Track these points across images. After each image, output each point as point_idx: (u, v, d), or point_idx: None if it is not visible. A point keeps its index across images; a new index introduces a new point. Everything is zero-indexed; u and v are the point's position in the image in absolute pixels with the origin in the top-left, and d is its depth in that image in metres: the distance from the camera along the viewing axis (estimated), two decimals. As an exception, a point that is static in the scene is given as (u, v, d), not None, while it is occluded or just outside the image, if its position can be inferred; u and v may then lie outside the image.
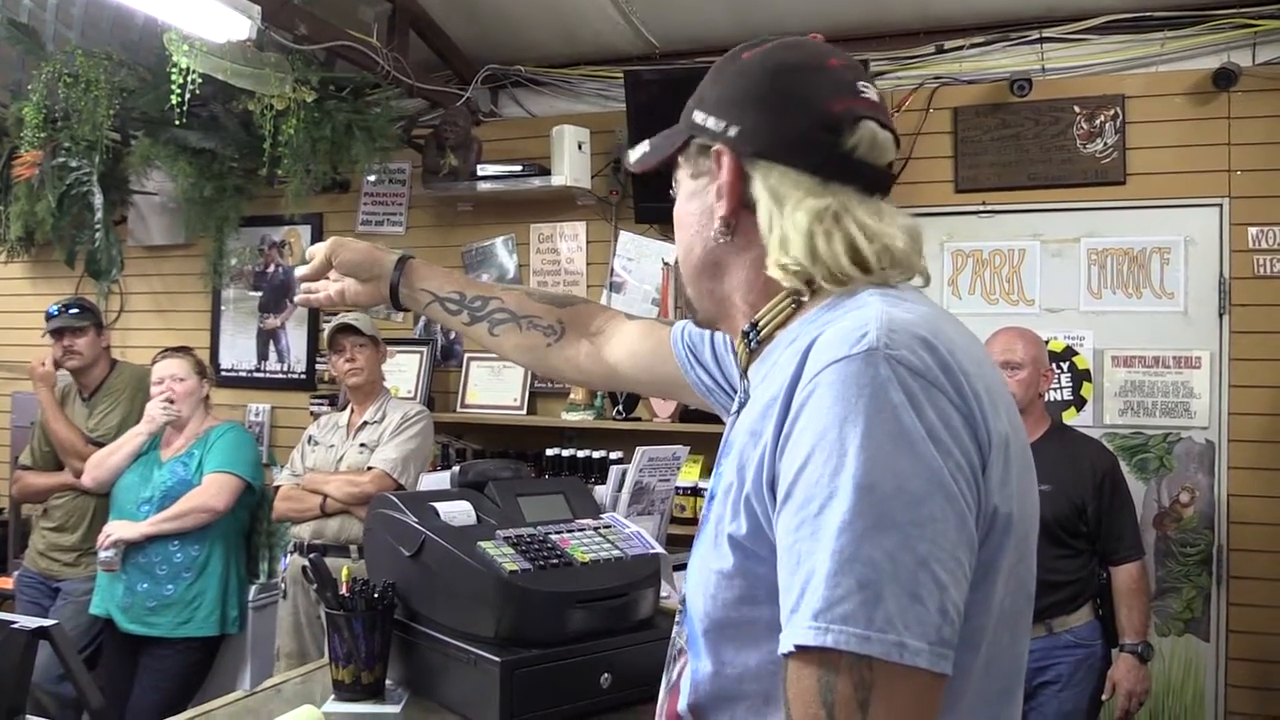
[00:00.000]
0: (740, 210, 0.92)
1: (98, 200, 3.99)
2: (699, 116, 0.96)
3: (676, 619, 0.98)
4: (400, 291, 1.41)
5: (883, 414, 0.73)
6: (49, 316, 3.65)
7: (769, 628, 0.77)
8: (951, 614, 0.72)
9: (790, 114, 0.90)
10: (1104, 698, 2.78)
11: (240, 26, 3.02)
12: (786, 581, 0.75)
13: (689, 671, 0.90)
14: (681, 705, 0.90)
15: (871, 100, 0.92)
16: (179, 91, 3.26)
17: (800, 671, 0.73)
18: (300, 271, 1.48)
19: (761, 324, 0.93)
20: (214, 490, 3.28)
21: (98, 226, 4.01)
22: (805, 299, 0.89)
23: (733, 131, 0.92)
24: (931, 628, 0.71)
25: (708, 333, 1.27)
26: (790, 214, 0.88)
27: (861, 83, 0.92)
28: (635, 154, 1.05)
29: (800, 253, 0.87)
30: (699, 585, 0.87)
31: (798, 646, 0.72)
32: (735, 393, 1.15)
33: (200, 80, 3.28)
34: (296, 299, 1.51)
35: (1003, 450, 0.79)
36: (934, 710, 0.73)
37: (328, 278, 1.46)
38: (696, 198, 0.97)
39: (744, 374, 0.98)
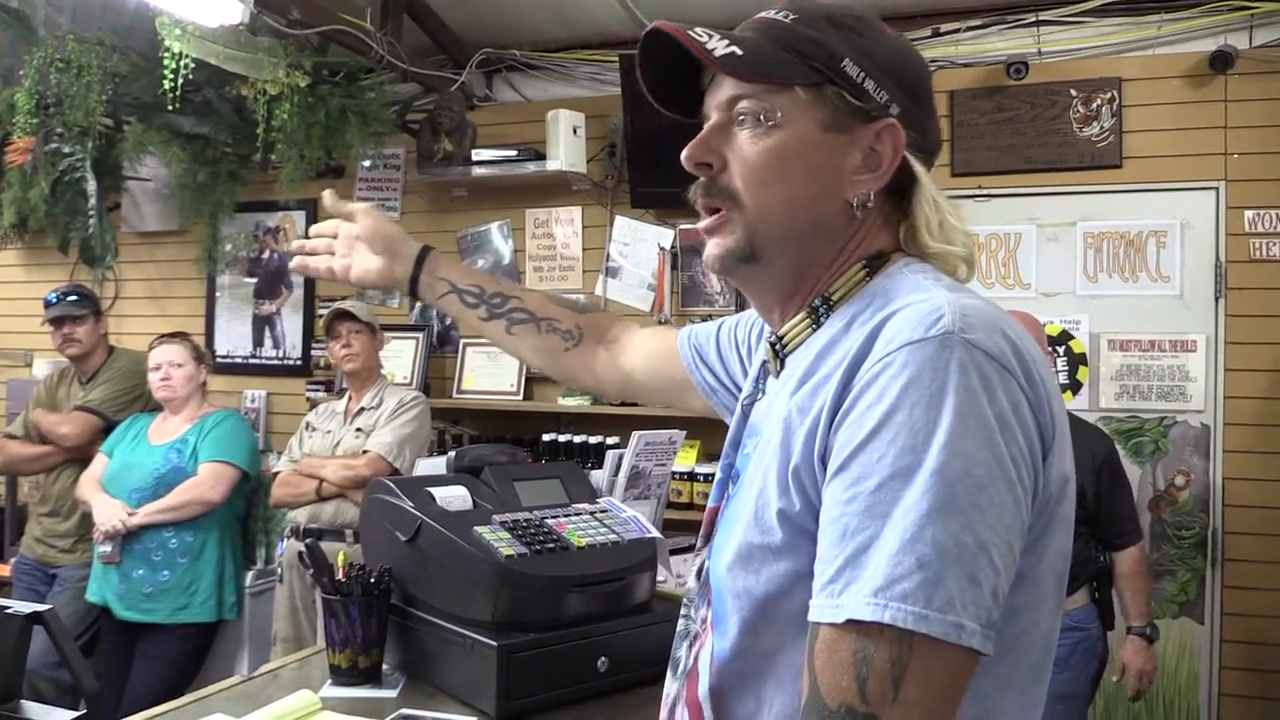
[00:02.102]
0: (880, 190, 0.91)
1: (91, 186, 3.96)
2: (854, 70, 0.88)
3: (686, 601, 0.98)
4: (421, 278, 1.36)
5: (957, 398, 0.73)
6: (48, 304, 3.64)
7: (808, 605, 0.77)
8: (1000, 598, 0.73)
9: (934, 120, 0.94)
10: (1115, 679, 2.80)
11: (233, 11, 3.01)
12: (828, 551, 0.75)
13: (711, 652, 0.89)
14: (702, 689, 0.89)
15: None
16: (172, 77, 3.24)
17: (837, 642, 0.73)
18: (313, 229, 1.41)
19: (836, 297, 0.90)
20: (210, 481, 3.28)
21: (91, 213, 3.99)
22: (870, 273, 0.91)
23: (896, 110, 0.89)
24: (985, 610, 0.72)
25: (712, 334, 1.28)
26: (951, 208, 0.91)
27: None
28: (719, 47, 0.88)
29: (960, 241, 0.90)
30: (739, 563, 0.85)
31: (851, 620, 0.72)
32: (738, 392, 1.15)
33: (193, 65, 3.26)
34: (292, 263, 1.43)
35: (1061, 435, 0.80)
36: (964, 689, 0.73)
37: (331, 252, 1.39)
38: (825, 151, 0.88)
39: (780, 355, 0.94)
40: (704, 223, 0.94)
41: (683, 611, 0.98)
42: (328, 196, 1.39)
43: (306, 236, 1.42)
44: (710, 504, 0.99)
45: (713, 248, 0.93)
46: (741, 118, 0.90)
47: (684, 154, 0.94)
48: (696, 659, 0.92)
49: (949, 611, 0.70)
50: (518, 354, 1.42)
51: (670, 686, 0.97)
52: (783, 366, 0.94)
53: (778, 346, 0.95)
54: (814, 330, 0.91)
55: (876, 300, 0.85)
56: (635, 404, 3.78)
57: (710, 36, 0.89)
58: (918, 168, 0.90)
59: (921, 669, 0.70)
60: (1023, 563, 0.77)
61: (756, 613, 0.84)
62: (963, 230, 0.90)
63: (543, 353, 1.38)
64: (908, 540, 0.71)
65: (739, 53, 0.88)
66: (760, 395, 0.99)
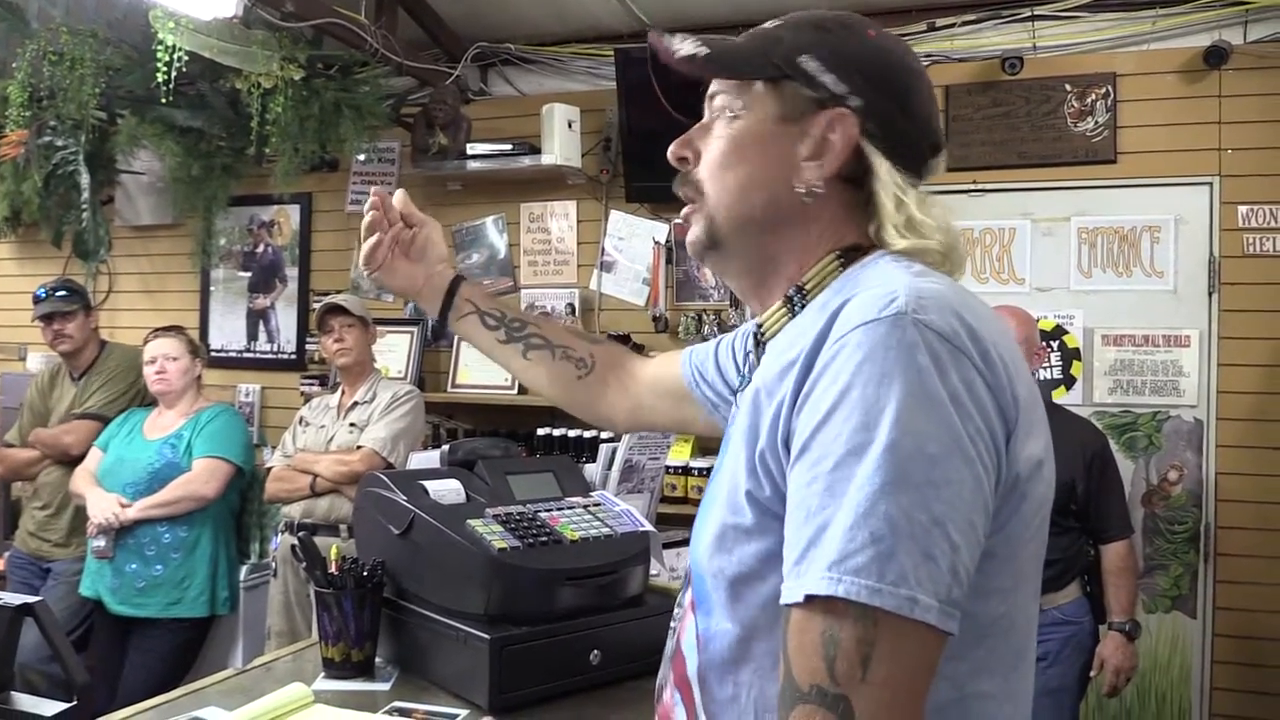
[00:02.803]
0: (834, 179, 0.93)
1: (84, 180, 3.95)
2: (811, 65, 0.92)
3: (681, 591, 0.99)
4: (453, 300, 1.38)
5: (908, 375, 0.75)
6: (36, 300, 3.63)
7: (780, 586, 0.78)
8: (962, 575, 0.74)
9: (916, 119, 0.93)
10: (1092, 674, 2.81)
11: (226, 4, 3.00)
12: (793, 534, 0.76)
13: (695, 631, 0.90)
14: (691, 668, 0.90)
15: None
16: (165, 69, 3.23)
17: (805, 624, 0.74)
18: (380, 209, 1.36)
19: (809, 286, 0.93)
20: (205, 477, 3.27)
21: (84, 206, 3.98)
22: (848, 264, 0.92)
23: (855, 102, 0.91)
24: (943, 586, 0.72)
25: (711, 350, 1.30)
26: (915, 199, 0.91)
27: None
28: (686, 48, 0.94)
29: (931, 234, 0.90)
30: (714, 542, 0.87)
31: (808, 596, 0.73)
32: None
33: (187, 58, 3.25)
34: (368, 206, 1.35)
35: (1028, 416, 0.81)
36: (931, 670, 0.74)
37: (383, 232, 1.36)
38: (776, 141, 0.92)
39: (761, 344, 0.97)
40: (682, 213, 1.00)
41: (677, 600, 1.00)
42: (400, 196, 1.38)
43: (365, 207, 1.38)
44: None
45: (688, 236, 1.00)
46: (716, 114, 0.97)
47: (669, 150, 1.00)
48: (680, 641, 0.94)
49: (902, 585, 0.71)
50: (533, 383, 1.42)
51: (660, 672, 0.98)
52: (763, 353, 0.96)
53: (759, 336, 0.98)
54: (791, 319, 0.94)
55: (845, 288, 0.87)
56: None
57: (685, 41, 0.95)
58: (876, 160, 0.91)
59: (888, 648, 0.71)
60: (996, 543, 0.78)
61: (731, 593, 0.86)
62: (935, 225, 0.90)
63: (556, 381, 1.39)
64: (861, 515, 0.72)
65: (704, 52, 0.94)
66: (747, 384, 1.01)
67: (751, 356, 1.00)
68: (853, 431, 0.74)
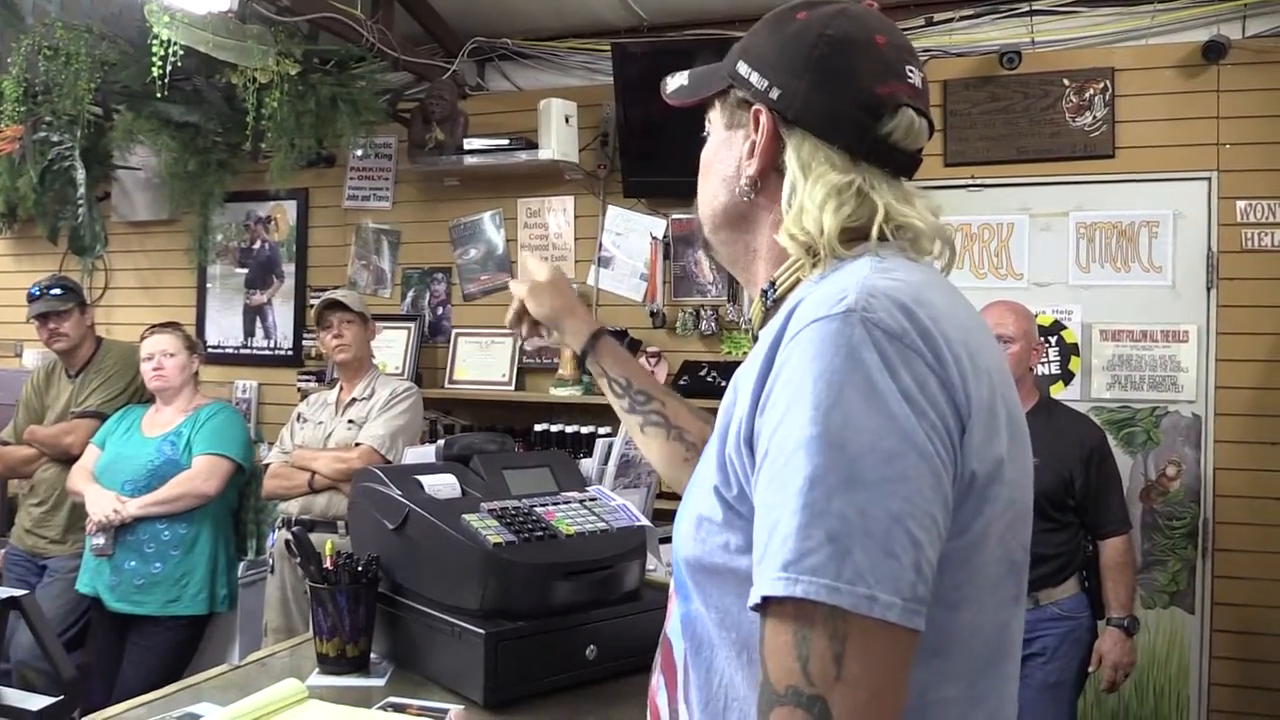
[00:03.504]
0: (770, 172, 0.94)
1: (80, 175, 3.94)
2: (743, 68, 0.96)
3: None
4: (586, 358, 1.44)
5: (855, 373, 0.75)
6: (31, 298, 3.60)
7: (748, 579, 0.78)
8: (926, 571, 0.73)
9: (834, 89, 0.91)
10: (1090, 669, 2.80)
11: (221, -2, 2.99)
12: (759, 537, 0.76)
13: (678, 615, 0.91)
14: (678, 651, 0.91)
15: (915, 86, 0.93)
16: (160, 64, 3.21)
17: (777, 627, 0.73)
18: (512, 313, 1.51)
19: (778, 283, 0.95)
20: (205, 474, 3.26)
21: (80, 202, 3.96)
22: (815, 263, 0.91)
23: (774, 94, 0.93)
24: (905, 584, 0.71)
25: None
26: (811, 187, 0.90)
27: (909, 66, 0.93)
28: (673, 84, 1.07)
29: (811, 224, 0.89)
30: (688, 529, 0.88)
31: (765, 597, 0.73)
32: None
33: (182, 53, 3.24)
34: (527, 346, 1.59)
35: (985, 415, 0.79)
36: (906, 667, 0.73)
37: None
38: (728, 147, 0.99)
39: (754, 336, 0.98)
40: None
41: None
42: (532, 261, 1.52)
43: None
44: None
45: None
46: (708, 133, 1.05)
47: None
48: (666, 625, 0.95)
49: (859, 584, 0.70)
50: (647, 454, 1.43)
51: (657, 658, 0.99)
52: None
53: (748, 328, 1.01)
54: (767, 314, 0.96)
55: (809, 286, 0.88)
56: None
57: (677, 76, 1.07)
58: (790, 145, 0.92)
59: (859, 647, 0.70)
60: (956, 547, 0.78)
61: (704, 581, 0.86)
62: (824, 220, 0.88)
63: (665, 458, 1.39)
64: (815, 515, 0.72)
65: (683, 84, 1.06)
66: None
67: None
68: (802, 431, 0.74)
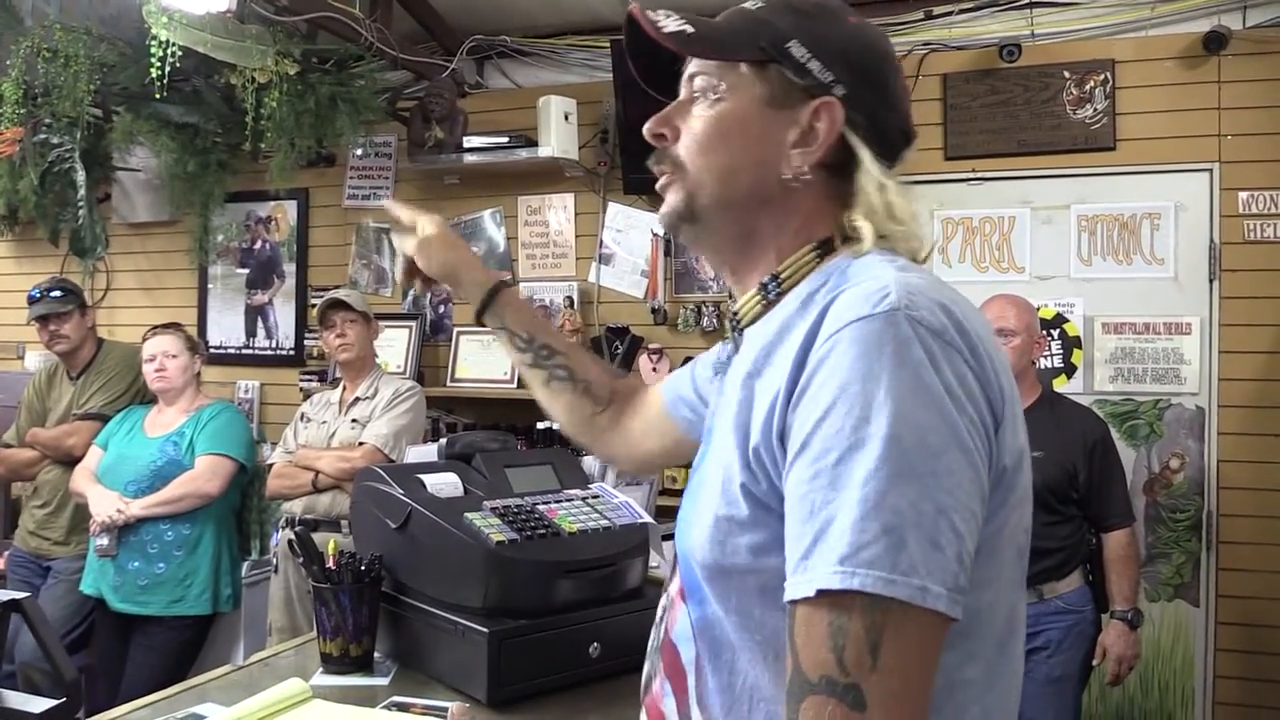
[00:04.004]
0: (816, 167, 0.93)
1: (80, 177, 3.95)
2: (799, 52, 0.92)
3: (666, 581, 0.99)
4: (486, 312, 1.40)
5: (905, 370, 0.76)
6: (31, 300, 3.60)
7: (780, 578, 0.78)
8: (966, 562, 0.75)
9: (892, 107, 0.95)
10: (1094, 663, 2.80)
11: (220, -2, 2.98)
12: (797, 530, 0.77)
13: (689, 620, 0.90)
14: (686, 656, 0.90)
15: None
16: (159, 65, 3.21)
17: (811, 617, 0.74)
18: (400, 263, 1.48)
19: (784, 276, 0.94)
20: (207, 475, 3.26)
21: (81, 204, 3.97)
22: (821, 258, 0.93)
23: (840, 90, 0.92)
24: (950, 574, 0.73)
25: (687, 371, 1.30)
26: (882, 187, 0.92)
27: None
28: (668, 24, 0.95)
29: (907, 217, 0.91)
30: (708, 532, 0.87)
31: (820, 591, 0.73)
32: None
33: (181, 54, 3.24)
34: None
35: (1012, 410, 0.82)
36: (938, 653, 0.75)
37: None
38: (766, 124, 0.93)
39: (739, 329, 0.97)
40: (659, 184, 1.00)
41: (664, 589, 1.00)
42: (405, 212, 1.47)
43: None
44: None
45: (662, 207, 0.99)
46: (696, 93, 0.97)
47: (645, 127, 0.99)
48: (668, 631, 0.94)
49: (913, 575, 0.72)
50: (551, 411, 1.41)
51: (646, 665, 0.98)
52: (741, 340, 0.96)
53: (735, 322, 0.99)
54: (766, 308, 0.94)
55: (831, 280, 0.87)
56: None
57: (669, 18, 0.95)
58: (860, 149, 0.92)
59: (896, 635, 0.72)
60: (984, 535, 0.79)
61: (725, 583, 0.86)
62: (913, 213, 0.92)
63: (572, 414, 1.38)
64: (871, 508, 0.73)
65: (689, 31, 0.94)
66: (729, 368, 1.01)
67: (729, 344, 1.01)
68: (854, 426, 0.75)
